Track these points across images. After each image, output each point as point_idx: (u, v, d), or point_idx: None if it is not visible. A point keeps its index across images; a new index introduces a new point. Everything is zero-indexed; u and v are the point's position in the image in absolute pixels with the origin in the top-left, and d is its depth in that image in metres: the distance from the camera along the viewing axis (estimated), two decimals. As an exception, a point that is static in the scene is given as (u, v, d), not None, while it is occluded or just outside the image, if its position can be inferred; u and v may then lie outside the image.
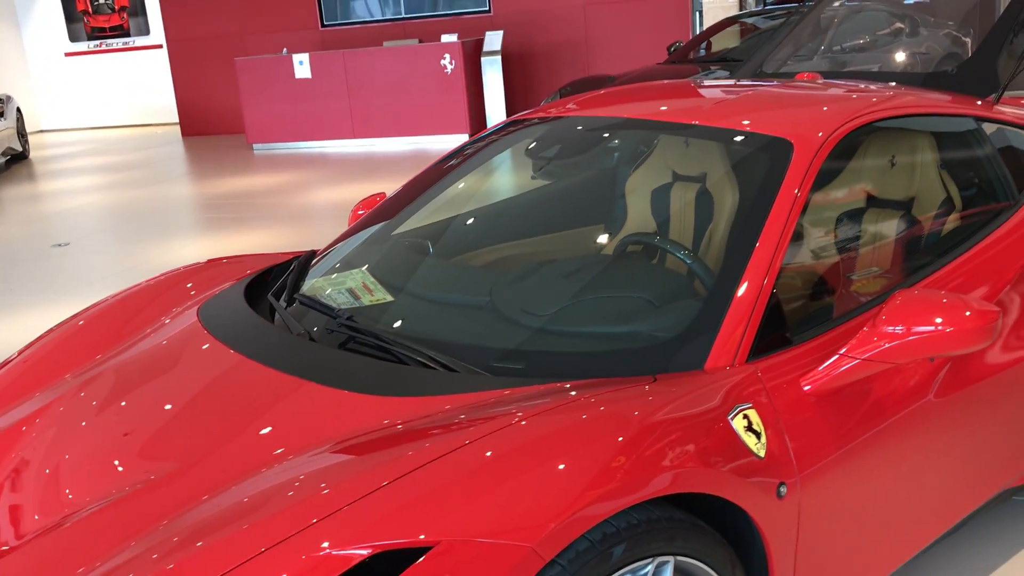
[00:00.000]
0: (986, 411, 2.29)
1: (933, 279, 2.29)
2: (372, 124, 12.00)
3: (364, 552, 1.43)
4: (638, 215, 2.62)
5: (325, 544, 1.44)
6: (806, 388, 1.90)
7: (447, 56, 11.61)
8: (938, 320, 1.84)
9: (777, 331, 1.98)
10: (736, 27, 10.69)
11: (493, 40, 11.85)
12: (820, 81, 3.06)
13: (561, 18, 12.90)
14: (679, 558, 1.65)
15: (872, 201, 2.60)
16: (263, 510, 1.56)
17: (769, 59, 3.56)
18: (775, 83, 3.10)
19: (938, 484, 2.22)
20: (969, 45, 3.57)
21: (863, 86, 2.88)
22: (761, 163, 2.24)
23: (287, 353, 2.13)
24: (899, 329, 1.85)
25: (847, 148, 2.40)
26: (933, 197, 2.62)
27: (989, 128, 2.76)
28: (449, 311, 2.34)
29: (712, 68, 8.35)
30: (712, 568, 1.71)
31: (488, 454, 1.58)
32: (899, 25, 7.06)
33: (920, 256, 2.51)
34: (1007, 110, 2.88)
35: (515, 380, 1.89)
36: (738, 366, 1.90)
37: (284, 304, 2.43)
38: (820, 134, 2.26)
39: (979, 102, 2.88)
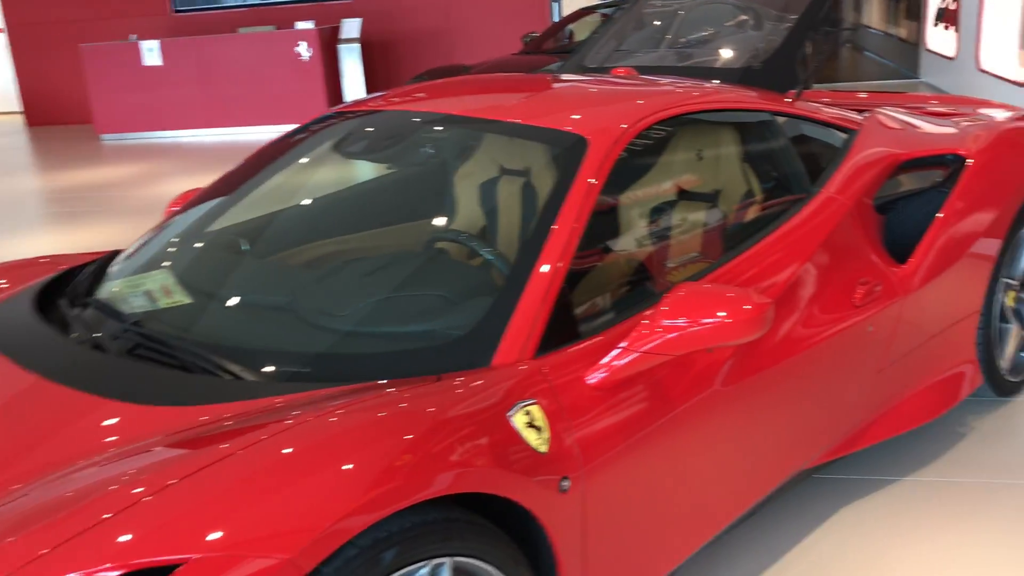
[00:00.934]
0: (775, 397, 2.38)
1: (727, 268, 2.37)
2: (228, 113, 11.67)
3: (116, 574, 1.38)
4: (454, 210, 2.63)
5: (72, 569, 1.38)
6: (591, 382, 1.94)
7: (303, 44, 11.38)
8: (712, 311, 1.90)
9: (568, 325, 2.01)
10: (596, 16, 10.85)
11: (351, 27, 11.68)
12: (634, 77, 3.12)
13: (424, 6, 12.82)
14: (457, 558, 1.66)
15: (679, 194, 2.68)
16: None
17: (591, 54, 3.62)
18: (590, 78, 3.14)
19: (731, 469, 2.30)
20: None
21: (669, 82, 2.95)
22: (555, 160, 2.27)
23: (67, 363, 2.04)
24: (675, 322, 1.90)
25: (646, 143, 2.46)
26: (736, 190, 2.71)
27: (792, 123, 2.88)
28: (247, 313, 2.29)
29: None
30: (494, 566, 1.72)
31: (253, 463, 1.55)
32: (743, 17, 7.28)
33: (718, 247, 2.59)
34: (805, 105, 3.00)
35: (299, 385, 1.86)
36: (525, 362, 1.91)
37: (77, 309, 2.32)
38: (616, 129, 2.30)
39: (783, 98, 2.99)
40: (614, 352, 1.95)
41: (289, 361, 1.99)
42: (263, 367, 1.94)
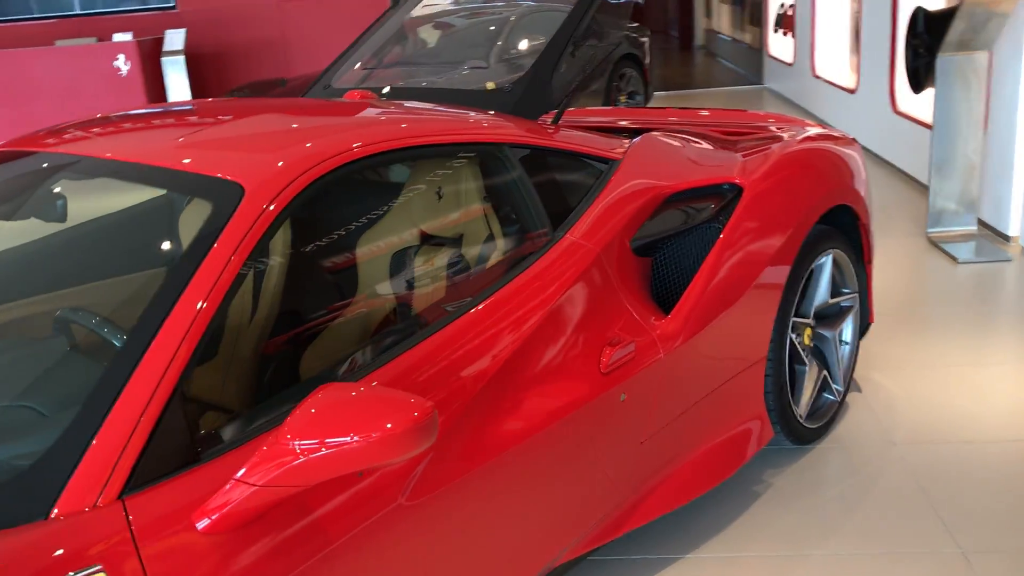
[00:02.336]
0: (500, 493, 1.95)
1: (433, 344, 1.93)
2: (39, 133, 10.72)
3: None
4: (79, 280, 2.09)
5: None
6: (201, 527, 1.45)
7: (121, 56, 10.57)
8: (348, 428, 1.44)
9: (184, 445, 1.52)
10: (430, 26, 10.39)
11: (174, 39, 10.92)
12: (365, 103, 2.66)
13: (255, 15, 12.13)
14: None
15: (396, 249, 2.22)
16: None
17: (339, 73, 3.14)
18: (314, 103, 2.66)
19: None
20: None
21: (397, 110, 2.50)
22: (197, 215, 1.78)
23: None
24: (302, 443, 1.44)
25: (328, 193, 2.00)
26: (453, 245, 2.27)
27: (541, 155, 2.46)
28: None
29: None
30: None
31: None
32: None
33: (418, 320, 2.13)
34: (561, 133, 2.59)
35: None
36: (103, 507, 1.42)
37: None
38: (281, 176, 1.83)
39: (537, 123, 2.58)
40: (228, 484, 1.47)
41: None
42: None
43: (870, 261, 3.36)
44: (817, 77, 9.22)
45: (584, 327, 2.20)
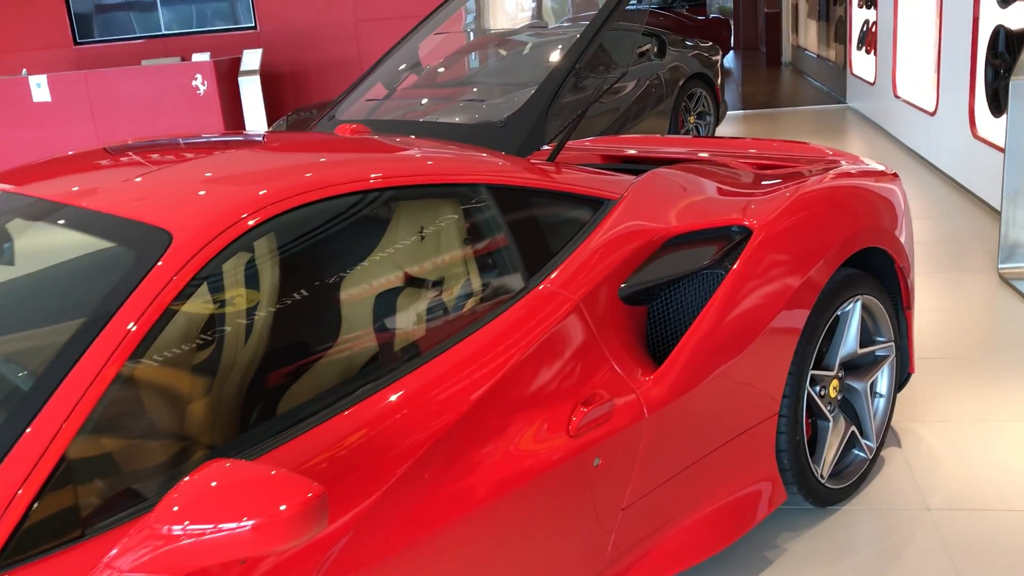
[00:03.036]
0: (451, 569, 1.80)
1: (377, 404, 1.80)
2: (121, 151, 11.03)
3: None
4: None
5: None
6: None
7: (198, 76, 10.79)
8: (226, 514, 1.32)
9: (65, 520, 1.42)
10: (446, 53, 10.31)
11: (251, 59, 11.11)
12: (358, 137, 2.56)
13: (332, 34, 12.28)
14: None
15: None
16: None
17: (343, 105, 3.05)
18: (294, 139, 2.56)
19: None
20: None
21: (374, 145, 2.38)
22: (119, 263, 1.69)
23: None
24: (174, 528, 1.32)
25: (270, 239, 1.90)
26: (417, 294, 2.13)
27: (525, 195, 2.31)
28: None
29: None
30: None
31: None
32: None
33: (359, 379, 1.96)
34: (555, 173, 2.44)
35: None
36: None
37: None
38: (218, 221, 1.73)
39: (531, 160, 2.44)
40: (95, 569, 1.36)
41: None
42: None
43: (909, 307, 3.10)
44: (898, 97, 8.81)
45: (553, 385, 2.04)
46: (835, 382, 2.84)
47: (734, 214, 2.53)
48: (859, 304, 2.81)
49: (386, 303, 2.04)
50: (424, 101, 3.04)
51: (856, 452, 2.97)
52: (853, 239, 2.73)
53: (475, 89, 3.06)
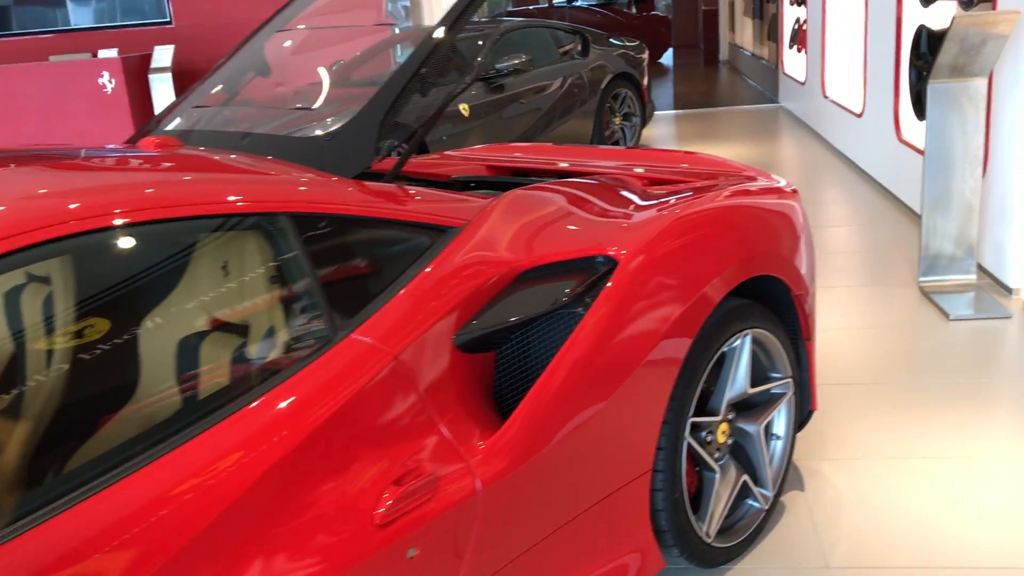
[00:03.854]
0: None
1: (140, 478, 1.42)
2: (23, 152, 10.44)
3: None
4: None
5: None
6: None
7: (106, 74, 10.24)
8: None
9: None
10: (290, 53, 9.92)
11: (162, 55, 10.58)
12: (164, 151, 2.17)
13: (249, 30, 11.78)
14: None
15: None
16: None
17: (172, 115, 2.65)
18: (87, 157, 2.16)
19: None
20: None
21: (167, 165, 2.00)
22: None
23: None
24: None
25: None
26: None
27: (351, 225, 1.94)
28: None
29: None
30: None
31: None
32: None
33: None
34: (379, 196, 2.07)
35: None
36: None
37: None
38: None
39: (339, 186, 2.08)
40: None
41: None
42: None
43: (809, 337, 2.80)
44: (827, 98, 8.60)
45: (357, 462, 1.68)
46: (724, 426, 2.52)
47: (600, 242, 2.20)
48: (748, 339, 2.50)
49: (150, 361, 1.66)
50: (249, 109, 2.66)
51: (750, 503, 2.65)
52: (741, 267, 2.41)
53: (308, 97, 2.68)
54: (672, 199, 2.53)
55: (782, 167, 7.75)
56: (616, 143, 8.45)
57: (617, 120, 8.47)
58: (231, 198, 1.78)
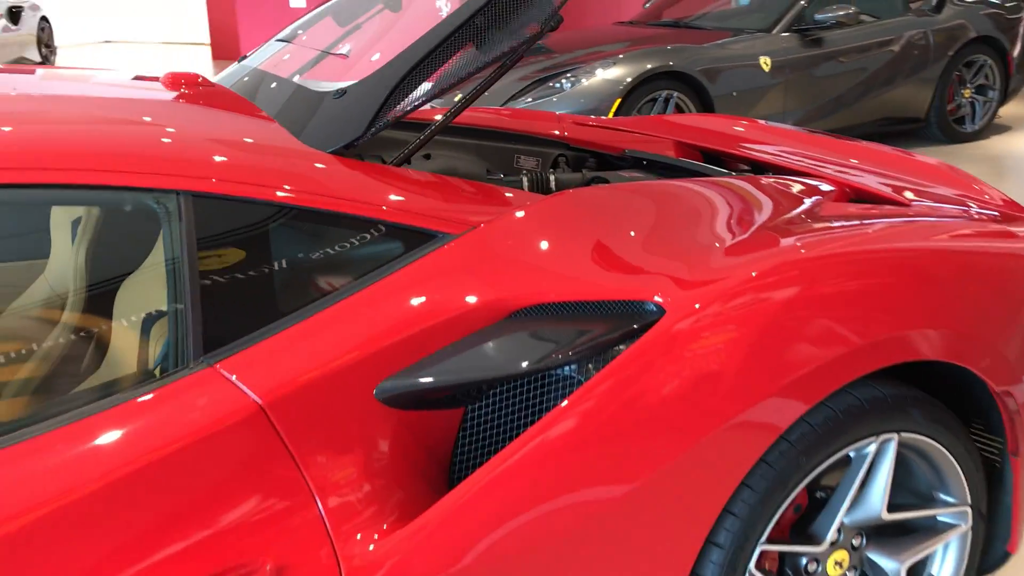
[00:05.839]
0: None
1: None
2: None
3: None
4: None
5: None
6: None
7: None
8: None
9: None
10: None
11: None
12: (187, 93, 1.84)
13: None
14: None
15: None
16: None
17: (261, 48, 2.31)
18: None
19: None
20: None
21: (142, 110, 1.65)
22: None
23: None
24: None
25: None
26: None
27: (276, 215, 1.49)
28: None
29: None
30: None
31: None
32: None
33: None
34: (328, 180, 1.58)
35: None
36: None
37: None
38: None
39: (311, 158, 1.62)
40: None
41: None
42: None
43: (1017, 452, 1.92)
44: None
45: (140, 545, 1.25)
46: (840, 554, 1.78)
47: (650, 281, 1.55)
48: (892, 446, 1.73)
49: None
50: (317, 53, 2.24)
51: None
52: (880, 348, 1.64)
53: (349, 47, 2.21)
54: (838, 225, 1.80)
55: None
56: (960, 120, 7.09)
57: (967, 93, 7.08)
58: (100, 164, 1.39)
